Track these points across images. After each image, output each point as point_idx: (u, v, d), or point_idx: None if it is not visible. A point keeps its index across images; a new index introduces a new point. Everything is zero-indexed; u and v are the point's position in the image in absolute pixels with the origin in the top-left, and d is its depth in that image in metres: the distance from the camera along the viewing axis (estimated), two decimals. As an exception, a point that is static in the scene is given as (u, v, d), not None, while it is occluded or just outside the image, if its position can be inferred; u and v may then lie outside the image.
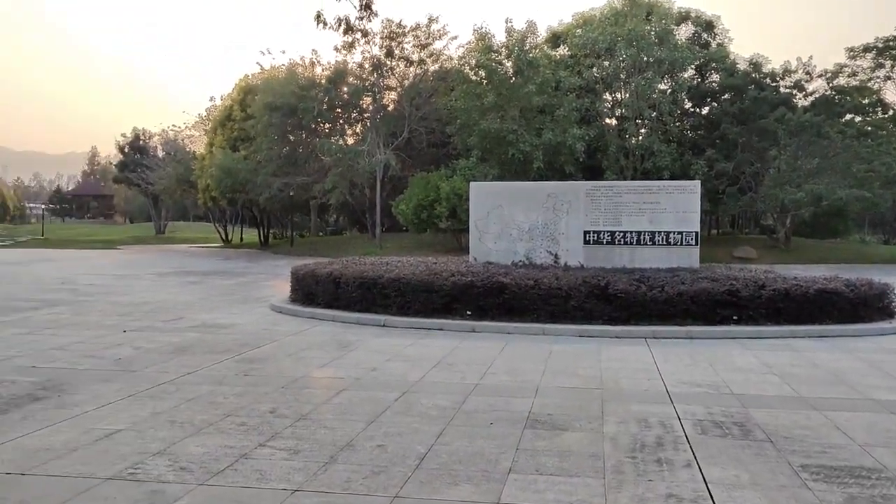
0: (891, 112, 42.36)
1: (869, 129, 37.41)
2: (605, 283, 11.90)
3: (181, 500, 4.59)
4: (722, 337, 11.09)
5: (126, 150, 61.42)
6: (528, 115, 31.74)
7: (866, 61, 46.86)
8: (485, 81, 32.45)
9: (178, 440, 5.82)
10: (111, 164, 65.33)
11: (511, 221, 14.96)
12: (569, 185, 15.64)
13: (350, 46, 34.86)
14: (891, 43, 46.14)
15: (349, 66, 36.15)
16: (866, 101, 39.07)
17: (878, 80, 46.99)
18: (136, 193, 68.19)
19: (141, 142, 59.98)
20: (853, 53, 47.12)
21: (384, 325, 12.12)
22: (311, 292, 13.84)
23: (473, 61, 33.31)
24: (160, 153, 54.97)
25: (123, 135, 63.30)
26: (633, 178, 32.09)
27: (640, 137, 34.85)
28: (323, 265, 14.42)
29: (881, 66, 47.34)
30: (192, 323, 12.53)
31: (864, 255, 33.34)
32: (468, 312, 12.16)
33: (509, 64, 32.83)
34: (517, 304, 11.99)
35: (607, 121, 35.14)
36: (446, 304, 12.28)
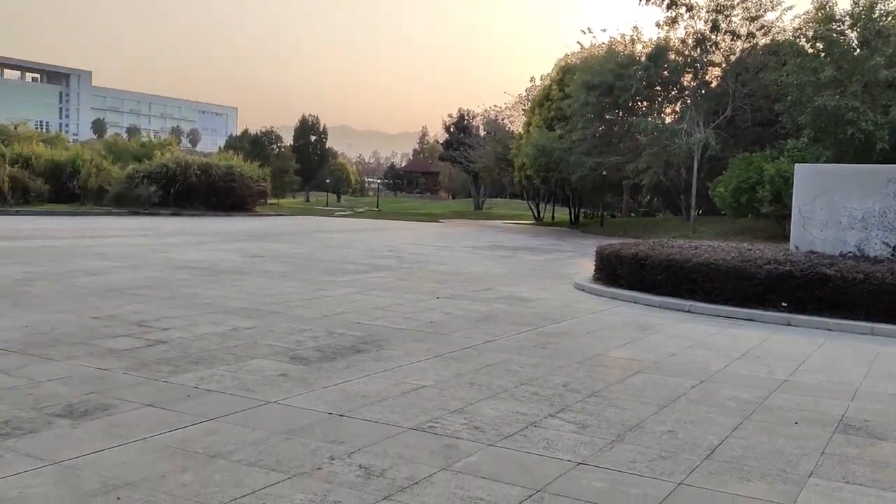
0: None
1: None
2: (954, 282, 10.37)
3: (472, 456, 4.87)
4: None
5: (451, 129, 65.59)
6: (874, 91, 28.37)
7: None
8: (822, 54, 29.56)
9: (474, 401, 6.16)
10: (438, 142, 70.25)
11: (841, 208, 13.55)
12: (915, 168, 13.75)
13: (673, 22, 33.68)
14: None
15: (671, 42, 35.00)
16: None
17: None
18: (458, 171, 72.58)
19: (465, 121, 63.62)
20: None
21: (689, 311, 11.71)
22: (615, 273, 13.76)
23: (811, 32, 30.48)
24: (482, 132, 57.78)
25: (450, 115, 67.65)
26: None
27: None
28: (628, 245, 14.27)
29: None
30: (499, 294, 13.10)
31: None
32: (783, 304, 11.31)
33: (853, 34, 29.57)
34: (842, 298, 10.89)
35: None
36: (759, 294, 11.53)
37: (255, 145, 70.10)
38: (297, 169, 78.29)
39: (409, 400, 6.14)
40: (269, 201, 60.03)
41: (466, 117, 64.64)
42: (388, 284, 13.88)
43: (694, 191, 33.70)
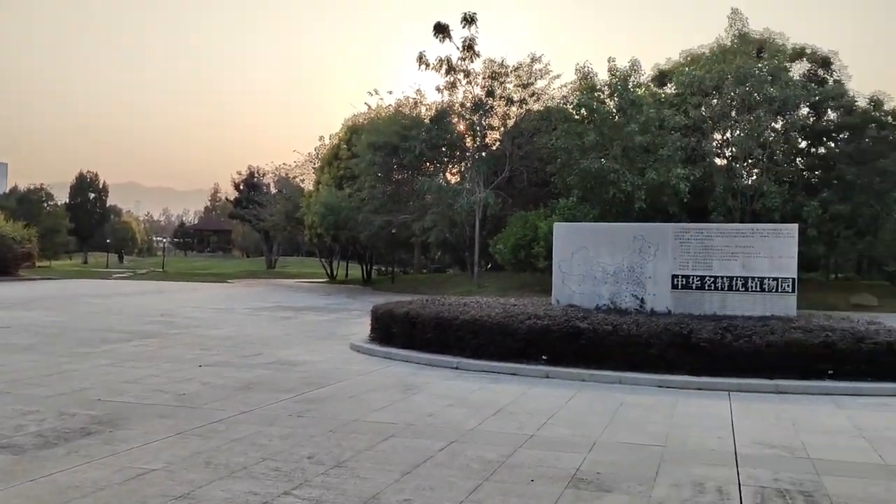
0: None
1: None
2: (688, 332, 11.28)
3: (183, 548, 4.47)
4: (814, 393, 10.26)
5: (241, 186, 64.11)
6: (631, 155, 31.02)
7: None
8: (586, 120, 32.03)
9: (205, 483, 5.75)
10: (228, 200, 68.42)
11: (596, 263, 14.48)
12: (656, 226, 15.01)
13: (452, 86, 35.19)
14: None
15: (452, 105, 36.48)
16: None
17: None
18: (250, 229, 70.85)
19: (255, 179, 62.50)
20: None
21: (457, 368, 11.88)
22: (390, 332, 13.77)
23: (575, 100, 32.98)
24: (273, 190, 56.96)
25: (239, 172, 66.17)
26: (741, 220, 30.75)
27: (751, 178, 33.48)
28: (401, 305, 14.35)
29: None
30: (268, 359, 12.65)
31: None
32: (544, 357, 11.77)
33: (612, 103, 32.31)
34: (594, 350, 11.51)
35: (715, 161, 33.93)
36: (521, 349, 11.93)
37: (24, 203, 64.60)
38: (72, 228, 72.95)
39: (131, 487, 5.61)
40: (37, 264, 55.33)
41: (256, 174, 63.55)
42: (149, 354, 13.01)
43: (477, 248, 34.95)
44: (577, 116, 32.71)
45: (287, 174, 54.74)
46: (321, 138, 48.07)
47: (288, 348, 14.15)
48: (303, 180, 51.89)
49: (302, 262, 74.80)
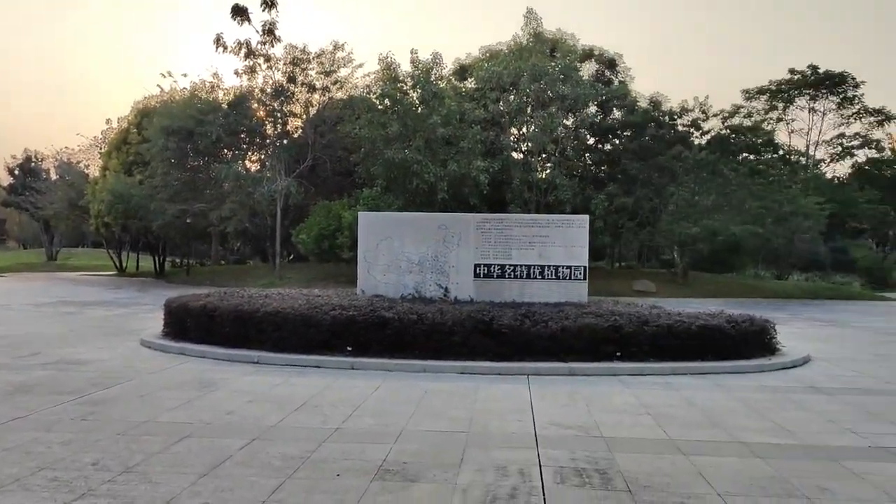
0: (781, 152, 44.22)
1: (762, 168, 38.80)
2: (490, 319, 11.57)
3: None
4: (604, 374, 10.87)
5: (16, 172, 58.54)
6: (434, 146, 31.57)
7: (760, 103, 48.97)
8: (390, 111, 32.18)
9: (-33, 501, 5.08)
10: (1, 186, 62.28)
11: (401, 253, 14.54)
12: (459, 216, 15.32)
13: (251, 71, 34.04)
14: (783, 87, 48.33)
15: (252, 91, 35.30)
16: (759, 140, 40.58)
17: (770, 122, 49.10)
18: (28, 218, 64.95)
19: (32, 164, 57.29)
20: (748, 95, 49.15)
21: (257, 363, 11.45)
22: (184, 326, 13.04)
23: (378, 90, 33.05)
24: (53, 176, 52.50)
25: (13, 156, 60.40)
26: (536, 211, 32.27)
27: (545, 171, 35.20)
28: (197, 297, 13.63)
29: (774, 108, 49.53)
30: (49, 359, 11.56)
31: (758, 290, 34.30)
32: (349, 349, 11.61)
33: (415, 94, 32.68)
34: (400, 339, 11.52)
35: (512, 154, 35.34)
36: (326, 340, 11.70)
37: None
38: None
39: None
40: None
41: (34, 159, 58.23)
42: None
43: (279, 238, 34.17)
44: (380, 106, 32.79)
45: (70, 159, 50.66)
46: (108, 121, 45.13)
47: (72, 346, 13.02)
48: (87, 166, 48.29)
49: (88, 253, 69.71)
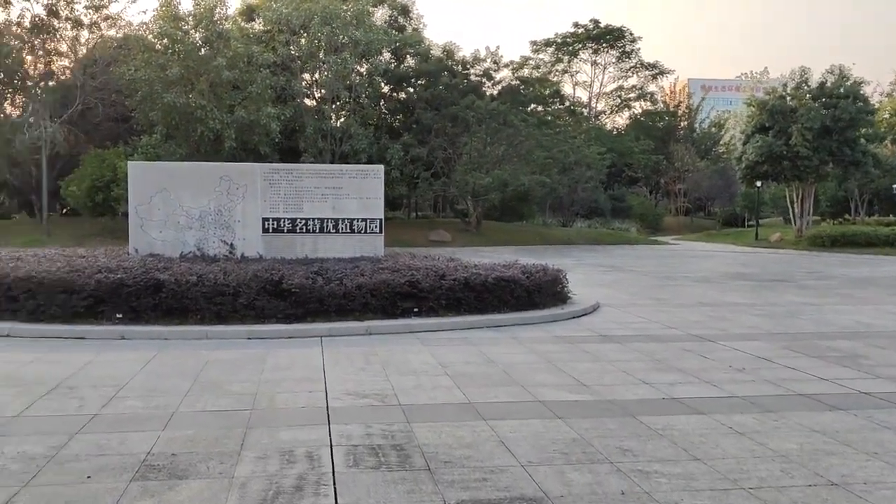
0: (567, 103, 46.07)
1: (549, 118, 40.15)
2: (280, 278, 10.73)
3: None
4: (402, 331, 10.43)
5: None
6: (219, 91, 29.56)
7: (547, 55, 50.62)
8: (169, 51, 29.65)
9: None
10: None
11: (178, 207, 13.20)
12: (244, 166, 14.17)
13: (5, 2, 30.01)
14: (568, 39, 50.20)
15: (8, 25, 31.18)
16: (547, 91, 41.93)
17: (557, 73, 50.97)
18: None
19: None
20: (536, 47, 50.66)
21: (8, 336, 9.89)
22: (-87, 297, 11.05)
23: (157, 29, 30.32)
24: None
25: None
26: (331, 161, 31.33)
27: (340, 120, 34.20)
28: (-71, 262, 11.63)
29: (560, 60, 51.44)
30: None
31: (546, 237, 35.67)
32: (118, 316, 10.32)
33: (197, 35, 30.33)
34: (177, 304, 10.39)
35: (305, 101, 33.98)
36: (90, 307, 10.34)
37: None
38: None
39: None
40: None
41: None
42: None
43: (45, 190, 30.86)
44: (159, 46, 30.16)
45: None
46: None
47: None
48: None
49: None
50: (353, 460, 5.27)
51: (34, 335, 9.93)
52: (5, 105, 33.79)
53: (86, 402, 6.79)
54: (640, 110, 55.66)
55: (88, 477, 4.92)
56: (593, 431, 5.99)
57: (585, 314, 12.32)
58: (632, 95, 53.88)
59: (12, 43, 31.05)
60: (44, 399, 6.87)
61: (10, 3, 30.07)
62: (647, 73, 53.21)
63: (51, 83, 32.19)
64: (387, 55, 35.29)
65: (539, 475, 5.00)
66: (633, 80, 54.27)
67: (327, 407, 6.65)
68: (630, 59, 52.23)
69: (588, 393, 7.23)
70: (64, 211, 40.62)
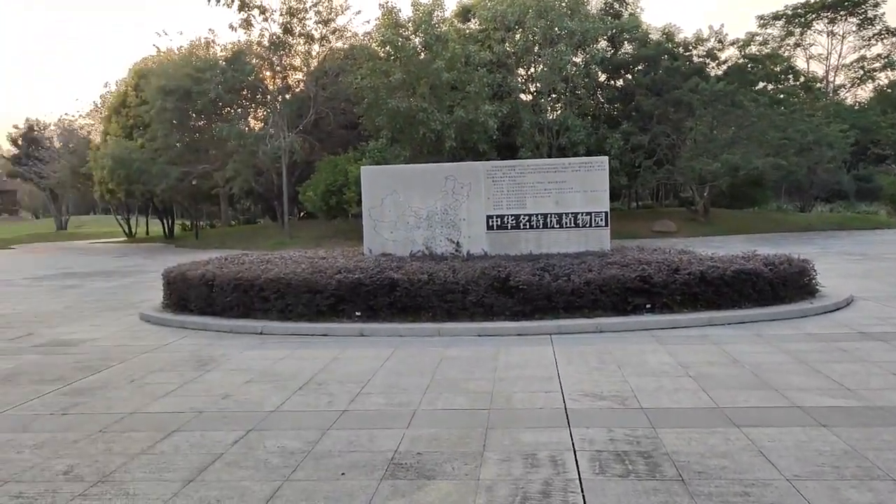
0: (802, 79, 42.62)
1: (781, 96, 37.35)
2: (507, 275, 10.72)
3: None
4: (634, 329, 10.04)
5: (19, 142, 57.73)
6: (439, 92, 30.37)
7: (776, 29, 47.17)
8: (392, 58, 30.92)
9: None
10: (5, 157, 61.45)
11: (407, 208, 13.65)
12: (468, 165, 14.37)
13: (247, 24, 32.73)
14: (799, 11, 46.46)
15: (249, 45, 34.05)
16: (778, 68, 39.06)
17: (788, 48, 47.37)
18: (36, 188, 64.32)
19: (35, 133, 56.38)
20: (763, 21, 47.37)
21: (261, 334, 10.69)
22: (184, 297, 12.28)
23: (380, 37, 31.71)
24: (57, 144, 51.64)
25: (16, 126, 59.58)
26: (548, 155, 31.16)
27: (556, 112, 33.94)
28: (196, 265, 12.85)
29: (790, 33, 47.76)
30: (40, 340, 10.87)
31: (782, 224, 33.24)
32: (357, 314, 10.83)
33: (417, 40, 31.36)
34: (410, 302, 10.71)
35: (521, 96, 34.05)
36: (332, 306, 10.92)
37: None
38: None
39: None
40: None
41: (37, 128, 57.32)
42: None
43: (286, 196, 33.32)
44: (382, 54, 31.53)
45: (71, 126, 49.74)
46: (106, 85, 43.90)
47: (66, 325, 12.33)
48: (89, 132, 47.32)
49: (98, 220, 69.29)
50: (599, 467, 5.07)
51: (284, 332, 10.66)
52: (249, 119, 36.90)
53: (334, 398, 7.12)
54: (885, 81, 50.37)
55: (343, 473, 5.11)
56: (866, 443, 5.35)
57: (838, 309, 11.22)
58: (876, 65, 48.83)
59: (254, 62, 33.84)
60: (296, 395, 7.30)
61: (251, 25, 32.72)
62: (894, 39, 47.98)
63: (287, 96, 34.72)
64: (603, 43, 34.50)
65: (809, 492, 4.52)
66: (877, 49, 49.30)
67: (565, 408, 6.49)
68: (873, 25, 47.36)
69: (853, 398, 6.51)
70: (301, 214, 43.75)
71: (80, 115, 49.00)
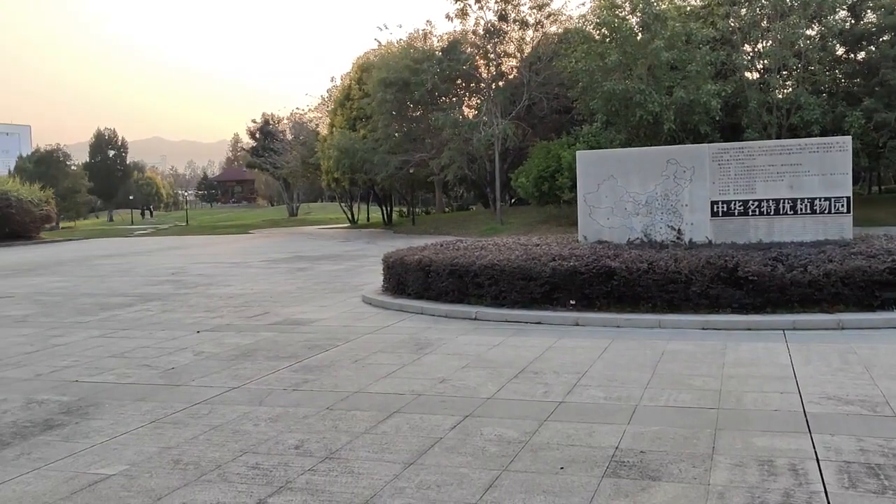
0: None
1: None
2: (734, 265, 10.01)
3: None
4: (883, 327, 9.03)
5: (257, 135, 62.90)
6: (657, 73, 29.22)
7: None
8: (608, 40, 30.16)
9: (165, 493, 4.72)
10: (244, 149, 67.28)
11: (625, 193, 13.18)
12: (692, 148, 13.61)
13: (463, 14, 33.35)
14: None
15: (464, 34, 34.71)
16: None
17: None
18: (271, 177, 69.88)
19: (270, 126, 61.14)
20: None
21: (475, 319, 10.78)
22: (402, 281, 12.67)
23: (595, 19, 31.05)
24: (289, 136, 55.71)
25: (254, 120, 65.00)
26: (777, 136, 29.00)
27: (786, 90, 31.52)
28: (413, 251, 13.20)
29: None
30: (274, 319, 11.66)
31: None
32: (572, 302, 10.61)
33: (634, 19, 30.36)
34: (628, 291, 10.32)
35: (746, 74, 31.96)
36: (547, 294, 10.78)
37: (41, 165, 64.02)
38: (92, 188, 72.53)
39: (78, 502, 4.61)
40: (62, 225, 55.04)
41: (271, 121, 62.15)
42: (148, 319, 12.07)
43: (498, 183, 33.63)
44: (597, 36, 30.85)
45: (301, 119, 53.43)
46: (332, 79, 46.69)
47: (297, 305, 13.16)
48: (317, 125, 50.56)
49: (325, 207, 74.01)
50: (849, 480, 4.52)
51: (498, 318, 10.67)
52: (463, 107, 37.62)
53: (550, 388, 6.97)
54: None
55: (561, 468, 4.95)
56: None
57: None
58: None
59: (468, 50, 34.42)
60: (512, 383, 7.22)
61: (466, 14, 33.28)
62: None
63: (500, 83, 35.00)
64: (842, 13, 31.54)
65: None
66: None
67: (804, 412, 5.91)
68: None
69: None
70: (512, 200, 44.09)
71: (309, 109, 52.47)
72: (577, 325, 10.03)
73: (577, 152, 14.53)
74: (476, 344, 9.13)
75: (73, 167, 72.13)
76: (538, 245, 13.03)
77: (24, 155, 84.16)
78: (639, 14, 29.68)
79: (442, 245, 13.99)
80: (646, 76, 28.78)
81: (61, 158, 69.15)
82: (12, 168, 75.90)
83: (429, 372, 7.76)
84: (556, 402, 6.47)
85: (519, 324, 10.33)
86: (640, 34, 29.69)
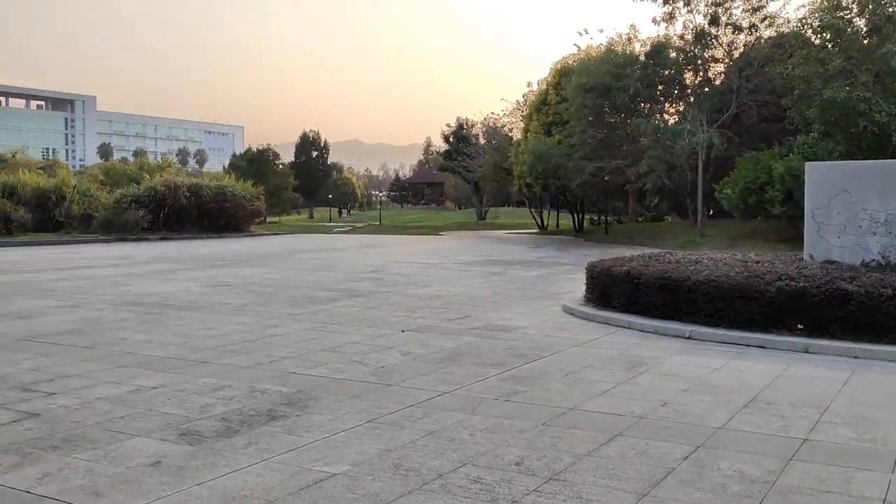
0: None
1: None
2: None
3: None
4: None
5: (450, 139, 64.13)
6: (886, 81, 26.64)
7: None
8: (830, 44, 27.89)
9: (390, 500, 4.61)
10: (438, 153, 68.94)
11: (860, 210, 11.93)
12: (944, 162, 12.14)
13: (670, 17, 32.07)
14: None
15: (671, 39, 33.44)
16: None
17: None
18: (461, 181, 71.08)
19: (463, 130, 62.12)
20: None
21: (689, 338, 10.12)
22: (607, 293, 12.18)
23: (816, 22, 28.82)
24: (481, 141, 56.36)
25: (448, 125, 66.34)
26: None
27: None
28: (621, 262, 12.66)
29: None
30: (475, 323, 11.57)
31: None
32: (799, 327, 9.71)
33: (861, 22, 27.89)
34: (867, 318, 9.28)
35: None
36: (769, 315, 9.93)
37: (253, 163, 68.83)
38: (297, 185, 77.03)
39: (304, 500, 4.61)
40: (269, 220, 58.86)
41: (465, 126, 63.15)
42: (354, 315, 12.38)
43: (700, 194, 32.09)
44: (817, 41, 28.62)
45: (495, 124, 53.86)
46: (529, 84, 46.58)
47: (496, 310, 13.02)
48: (510, 130, 50.73)
49: (512, 212, 74.21)
50: None
51: (714, 339, 9.97)
52: (665, 114, 36.26)
53: (788, 422, 6.31)
54: None
55: (820, 518, 4.36)
56: None
57: None
58: None
59: (672, 55, 33.11)
60: (742, 412, 6.61)
61: (674, 18, 32.02)
62: None
63: (707, 90, 33.38)
64: None
65: None
66: None
67: None
68: None
69: None
70: (710, 213, 41.98)
71: (504, 114, 52.73)
72: (807, 352, 9.15)
73: (808, 164, 13.37)
74: (694, 365, 8.52)
75: (280, 166, 76.89)
76: (759, 262, 12.09)
77: (237, 153, 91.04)
78: (867, 15, 27.23)
79: (650, 257, 13.36)
80: (872, 83, 26.33)
81: (271, 157, 73.99)
82: (226, 165, 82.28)
83: (647, 393, 7.28)
84: (800, 440, 5.81)
85: (739, 346, 9.58)
86: (867, 38, 27.23)
